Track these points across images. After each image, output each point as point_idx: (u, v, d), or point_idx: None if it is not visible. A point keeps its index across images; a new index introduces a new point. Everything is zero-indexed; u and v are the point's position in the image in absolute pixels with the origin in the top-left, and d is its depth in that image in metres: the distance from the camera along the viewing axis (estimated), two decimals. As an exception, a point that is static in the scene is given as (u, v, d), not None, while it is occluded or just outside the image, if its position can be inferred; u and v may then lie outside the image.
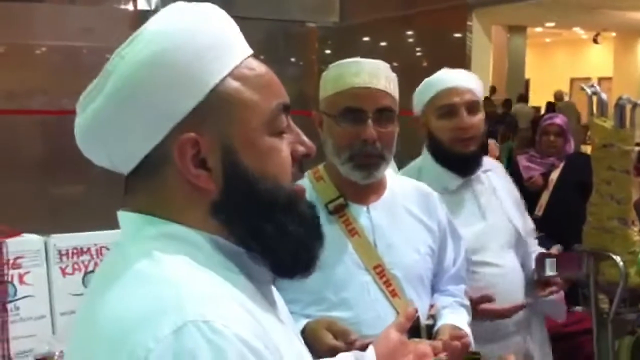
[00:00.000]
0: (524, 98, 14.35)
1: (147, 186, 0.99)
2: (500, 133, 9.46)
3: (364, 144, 1.86)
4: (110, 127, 0.97)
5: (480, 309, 2.21)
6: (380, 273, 1.88)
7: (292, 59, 8.75)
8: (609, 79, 17.85)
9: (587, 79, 13.97)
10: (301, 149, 1.05)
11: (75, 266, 2.02)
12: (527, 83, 15.77)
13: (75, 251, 2.02)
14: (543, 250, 2.65)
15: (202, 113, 0.95)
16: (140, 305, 0.86)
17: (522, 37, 15.24)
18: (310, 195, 1.89)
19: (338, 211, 1.91)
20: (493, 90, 11.90)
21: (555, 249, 2.92)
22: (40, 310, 1.96)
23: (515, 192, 2.63)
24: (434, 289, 2.06)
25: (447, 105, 2.36)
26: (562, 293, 2.59)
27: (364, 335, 1.73)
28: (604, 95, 2.49)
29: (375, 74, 1.89)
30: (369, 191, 1.97)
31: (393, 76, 1.94)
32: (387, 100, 1.89)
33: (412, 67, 10.11)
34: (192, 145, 0.95)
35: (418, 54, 10.54)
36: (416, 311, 1.43)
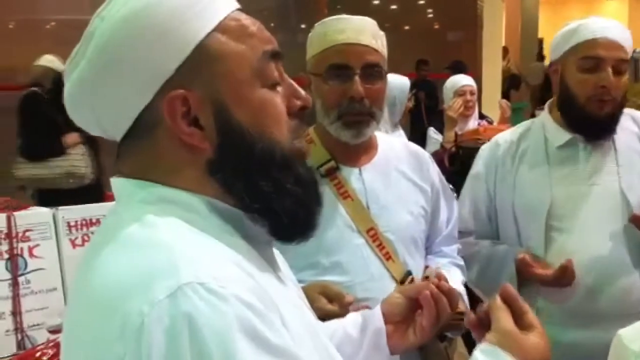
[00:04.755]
0: (541, 57, 14.19)
1: (140, 150, 0.96)
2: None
3: (351, 101, 1.81)
4: (96, 92, 0.94)
5: (527, 272, 2.12)
6: (374, 236, 1.85)
7: (302, 26, 8.70)
8: (624, 35, 17.63)
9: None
10: (297, 102, 1.02)
11: (85, 237, 2.01)
12: (540, 42, 15.54)
13: (84, 222, 2.01)
14: None
15: (190, 70, 0.93)
16: (132, 270, 0.84)
17: (535, -5, 15.03)
18: None
19: (330, 174, 1.87)
20: (505, 50, 11.76)
21: None
22: (51, 282, 1.96)
23: None
24: (428, 251, 2.03)
25: (592, 58, 2.10)
26: None
27: (358, 298, 1.71)
28: (619, 50, 2.40)
29: (361, 30, 1.83)
30: (360, 152, 1.93)
31: (381, 34, 1.88)
32: (374, 56, 1.83)
33: (424, 28, 10.04)
34: (182, 102, 0.92)
35: (429, 15, 10.46)
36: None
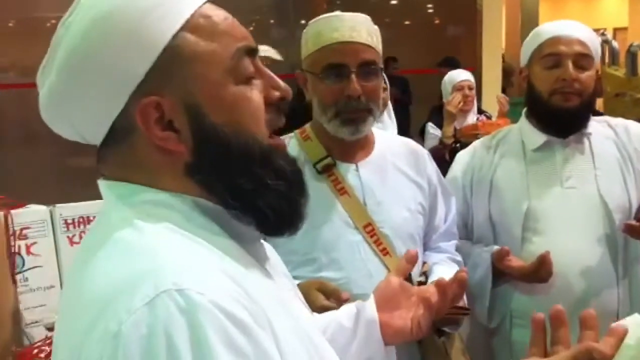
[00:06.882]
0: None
1: (119, 155, 0.96)
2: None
3: (348, 99, 1.82)
4: (68, 101, 0.93)
5: (503, 265, 2.11)
6: (371, 232, 1.85)
7: (302, 21, 8.69)
8: (625, 29, 17.57)
9: (603, 30, 13.74)
10: (275, 93, 1.00)
11: (83, 235, 2.01)
12: (541, 37, 15.51)
13: (81, 220, 2.02)
14: None
15: (160, 73, 0.91)
16: (117, 276, 0.84)
17: (535, -11, 14.99)
18: (298, 155, 1.85)
19: (326, 170, 1.88)
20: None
21: None
22: (49, 280, 1.97)
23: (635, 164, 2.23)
24: (426, 247, 2.03)
25: (553, 54, 2.16)
26: None
27: (355, 294, 1.71)
28: (615, 44, 2.42)
29: (356, 28, 1.83)
30: (357, 149, 1.93)
31: (375, 29, 1.89)
32: (369, 53, 1.84)
33: (424, 24, 10.02)
34: (155, 107, 0.91)
35: (429, 10, 10.44)
36: (416, 253, 1.39)
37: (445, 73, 4.79)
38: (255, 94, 0.97)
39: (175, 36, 0.92)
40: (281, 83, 1.01)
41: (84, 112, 0.94)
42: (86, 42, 0.90)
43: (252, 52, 0.98)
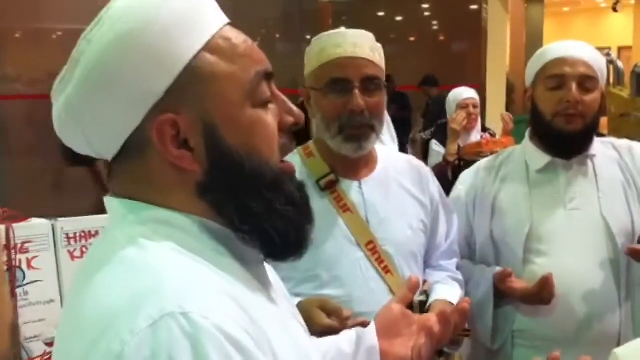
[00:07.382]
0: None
1: (131, 171, 0.96)
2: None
3: (351, 114, 1.82)
4: (84, 115, 0.93)
5: (506, 286, 2.11)
6: (373, 250, 1.85)
7: (307, 36, 8.73)
8: (629, 48, 17.61)
9: (607, 49, 13.76)
10: (289, 118, 1.01)
11: (84, 249, 1.99)
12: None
13: (83, 234, 2.00)
14: None
15: (179, 92, 0.92)
16: (120, 295, 0.84)
17: (540, 7, 15.01)
18: (301, 171, 1.85)
19: (329, 187, 1.88)
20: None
21: None
22: (49, 294, 1.95)
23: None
24: (427, 265, 2.03)
25: (558, 76, 2.15)
26: None
27: (356, 312, 1.71)
28: (620, 64, 2.41)
29: (359, 43, 1.84)
30: (360, 166, 1.93)
31: (378, 46, 1.89)
32: (372, 69, 1.85)
33: (429, 40, 10.05)
34: (171, 125, 0.91)
35: (434, 27, 10.48)
36: (418, 280, 1.39)
37: (427, 91, 4.77)
38: (270, 118, 0.98)
39: (196, 56, 0.92)
40: (295, 109, 1.02)
41: (99, 126, 0.93)
42: (107, 58, 0.90)
43: (269, 77, 0.99)
